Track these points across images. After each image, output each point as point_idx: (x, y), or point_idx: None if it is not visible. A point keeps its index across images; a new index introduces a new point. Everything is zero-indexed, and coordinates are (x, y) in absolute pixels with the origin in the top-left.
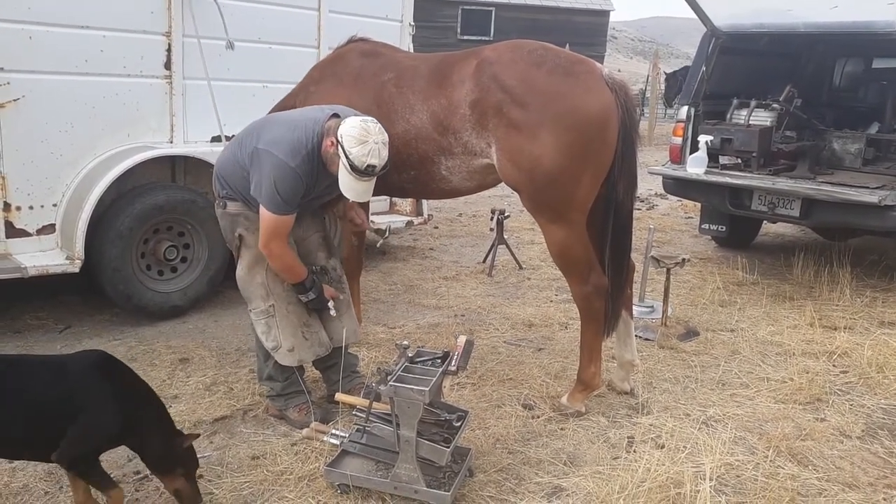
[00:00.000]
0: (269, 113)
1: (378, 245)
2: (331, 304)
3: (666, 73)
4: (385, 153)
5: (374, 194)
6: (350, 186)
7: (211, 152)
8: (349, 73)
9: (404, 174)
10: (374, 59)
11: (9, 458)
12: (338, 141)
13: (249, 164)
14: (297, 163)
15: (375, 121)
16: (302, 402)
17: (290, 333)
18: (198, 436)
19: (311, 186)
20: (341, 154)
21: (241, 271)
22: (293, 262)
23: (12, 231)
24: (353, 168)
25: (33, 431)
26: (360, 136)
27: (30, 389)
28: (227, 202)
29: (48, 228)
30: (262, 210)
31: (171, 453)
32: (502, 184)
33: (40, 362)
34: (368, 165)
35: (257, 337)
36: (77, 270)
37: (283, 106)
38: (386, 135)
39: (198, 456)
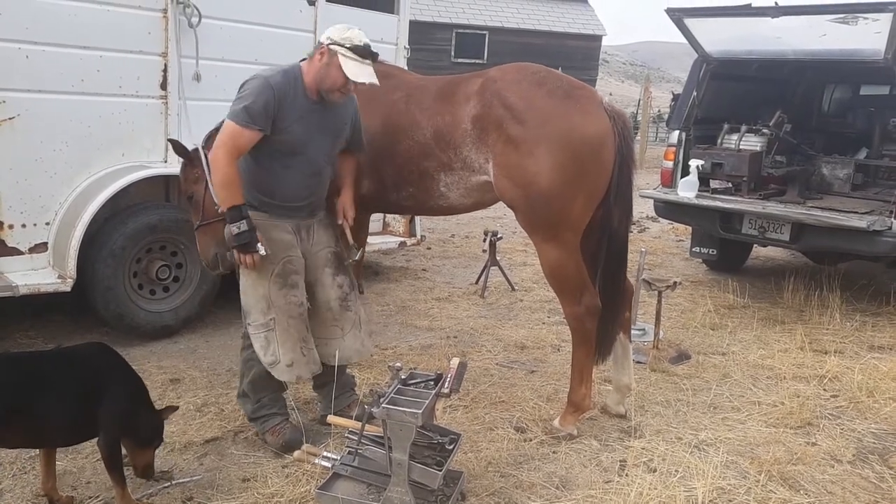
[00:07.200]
0: None
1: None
2: (260, 245)
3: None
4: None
5: (372, 211)
6: (359, 70)
7: None
8: (362, 92)
9: (403, 191)
10: (386, 80)
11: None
12: (326, 44)
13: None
14: (271, 74)
15: None
16: (275, 425)
17: (289, 348)
18: (177, 408)
19: (282, 110)
20: (337, 48)
21: (244, 282)
22: (234, 180)
23: (4, 249)
24: (355, 49)
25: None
26: (344, 28)
27: (69, 379)
28: None
29: (41, 247)
30: (226, 119)
31: (158, 426)
32: (496, 206)
33: (64, 353)
34: (364, 44)
35: (247, 356)
36: (69, 289)
37: None
38: None
39: (188, 478)
